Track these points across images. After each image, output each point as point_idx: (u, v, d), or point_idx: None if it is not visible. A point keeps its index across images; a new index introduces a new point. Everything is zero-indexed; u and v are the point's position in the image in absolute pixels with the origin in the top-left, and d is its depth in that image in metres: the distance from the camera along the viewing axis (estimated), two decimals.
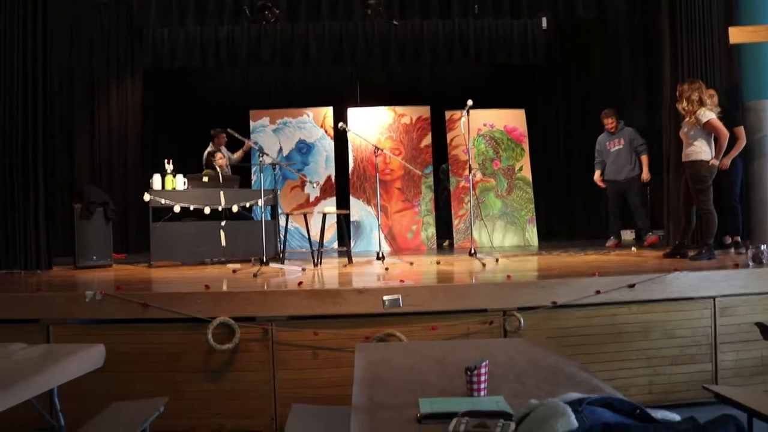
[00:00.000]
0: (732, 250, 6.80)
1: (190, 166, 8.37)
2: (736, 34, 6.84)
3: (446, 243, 9.60)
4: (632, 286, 4.52)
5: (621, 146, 8.24)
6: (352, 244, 8.07)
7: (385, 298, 4.23)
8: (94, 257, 7.04)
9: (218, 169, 8.09)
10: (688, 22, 7.20)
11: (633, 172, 8.20)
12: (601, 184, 8.51)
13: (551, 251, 7.64)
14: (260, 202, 7.18)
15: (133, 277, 6.00)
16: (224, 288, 4.82)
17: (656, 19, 8.34)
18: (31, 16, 6.81)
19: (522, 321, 4.26)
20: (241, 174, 8.59)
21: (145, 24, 9.85)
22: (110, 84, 9.92)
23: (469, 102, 6.79)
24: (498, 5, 9.64)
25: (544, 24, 11.10)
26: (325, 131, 9.72)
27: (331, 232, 9.12)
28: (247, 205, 7.69)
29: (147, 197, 7.04)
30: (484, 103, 8.81)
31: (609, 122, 8.30)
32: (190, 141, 10.15)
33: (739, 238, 6.92)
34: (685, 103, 6.01)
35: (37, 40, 6.82)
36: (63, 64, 9.00)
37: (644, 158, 8.14)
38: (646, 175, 8.11)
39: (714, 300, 4.65)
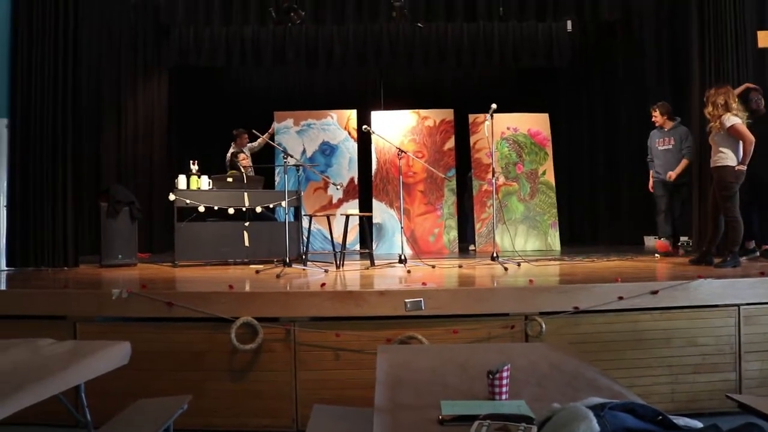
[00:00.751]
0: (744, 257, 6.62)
1: (214, 165, 8.47)
2: (766, 38, 6.79)
3: (471, 248, 9.59)
4: (655, 292, 4.49)
5: (671, 146, 7.54)
6: (374, 246, 8.09)
7: (407, 300, 4.26)
8: (120, 256, 7.15)
9: (242, 170, 8.16)
10: (716, 25, 7.13)
11: (681, 178, 7.49)
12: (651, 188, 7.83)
13: (574, 256, 7.61)
14: (284, 204, 7.25)
15: (157, 276, 6.08)
16: (247, 288, 4.88)
17: (683, 21, 8.29)
18: (63, 14, 6.97)
19: (543, 326, 4.26)
20: (264, 175, 8.66)
21: (172, 22, 9.96)
22: (137, 82, 10.06)
23: (493, 106, 6.82)
24: (523, 8, 9.61)
25: (569, 26, 11.06)
26: (349, 133, 9.77)
27: (353, 234, 9.15)
28: (271, 206, 7.77)
29: (172, 197, 7.14)
30: (508, 106, 8.78)
31: (655, 116, 7.65)
32: (214, 140, 10.31)
33: (753, 243, 6.84)
34: (710, 108, 5.97)
35: (68, 38, 6.98)
36: (92, 62, 9.15)
37: (684, 161, 7.42)
38: (672, 173, 7.44)
39: (739, 308, 4.60)
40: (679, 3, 8.99)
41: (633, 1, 10.09)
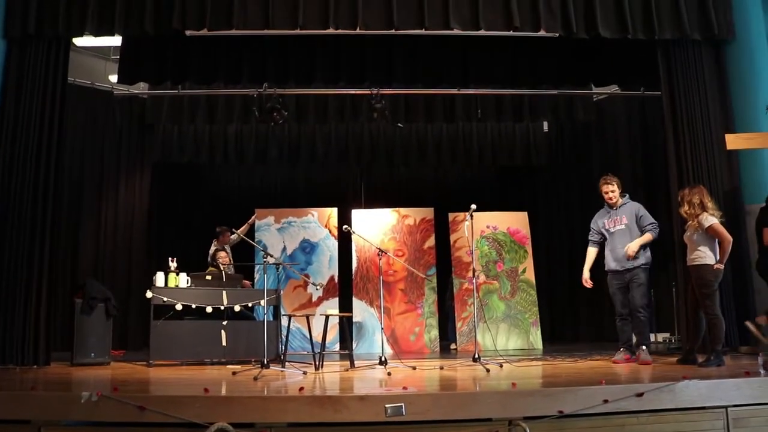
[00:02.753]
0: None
1: (193, 262, 8.38)
2: (733, 141, 7.09)
3: (453, 346, 9.46)
4: (640, 395, 4.40)
5: (623, 225, 6.56)
6: (354, 345, 7.95)
7: (387, 406, 4.12)
8: (92, 354, 6.96)
9: (222, 268, 8.08)
10: (690, 127, 7.42)
11: (638, 260, 6.45)
12: (588, 284, 6.79)
13: (556, 356, 7.51)
14: (263, 302, 7.14)
15: (130, 376, 5.88)
16: (223, 391, 4.72)
17: (654, 124, 8.56)
18: (50, 106, 7.03)
19: (528, 431, 4.13)
20: (244, 273, 8.59)
21: (157, 120, 10.17)
22: (119, 178, 10.12)
23: (473, 206, 6.88)
24: (500, 109, 9.96)
25: (546, 127, 11.40)
26: (330, 231, 9.79)
27: (333, 333, 9.01)
28: (250, 304, 7.65)
29: (149, 294, 7.02)
30: (487, 204, 8.89)
31: (609, 190, 6.64)
32: (195, 237, 10.28)
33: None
34: (686, 207, 6.09)
35: (53, 133, 7.02)
36: (75, 157, 9.22)
37: (647, 235, 6.45)
38: (632, 246, 6.36)
39: (726, 410, 4.49)
40: (650, 108, 9.37)
41: (605, 104, 10.49)
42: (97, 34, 7.16)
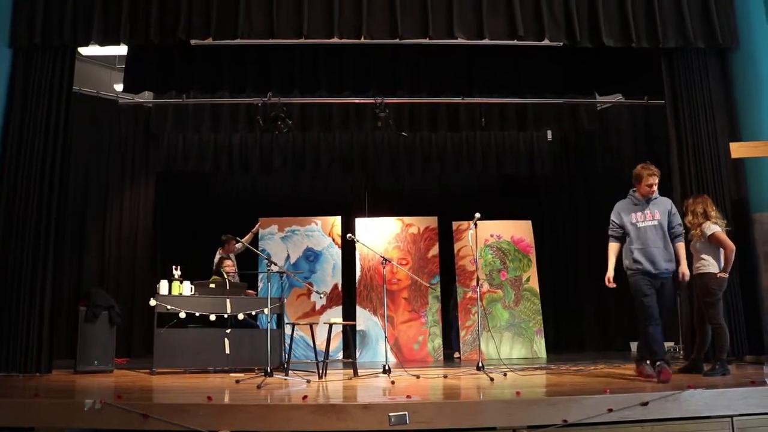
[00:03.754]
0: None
1: (198, 270, 8.38)
2: (737, 150, 7.06)
3: (456, 355, 9.44)
4: (645, 404, 4.37)
5: (655, 222, 5.74)
6: (357, 354, 7.94)
7: (391, 414, 4.11)
8: (96, 362, 6.97)
9: (226, 276, 8.08)
10: (693, 136, 7.45)
11: (670, 263, 5.68)
12: (612, 285, 5.97)
13: (560, 365, 7.47)
14: (266, 311, 7.14)
15: (134, 384, 5.87)
16: (227, 400, 4.71)
17: (659, 133, 8.55)
18: (55, 114, 7.07)
19: None
20: (248, 281, 8.59)
21: (161, 130, 10.20)
22: (124, 186, 10.12)
23: (477, 215, 6.87)
24: (504, 118, 9.95)
25: (550, 136, 11.39)
26: (333, 240, 9.78)
27: (336, 341, 8.98)
28: (253, 313, 7.64)
29: (153, 302, 7.02)
30: (491, 213, 8.88)
31: (655, 182, 5.75)
32: (199, 245, 10.28)
33: None
34: (690, 217, 6.08)
35: (58, 141, 7.05)
36: (80, 166, 9.23)
37: (680, 247, 5.73)
38: (685, 271, 5.69)
39: (732, 420, 4.46)
40: (654, 117, 9.36)
41: (610, 113, 10.48)
42: (102, 44, 7.21)
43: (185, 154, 10.72)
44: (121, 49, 8.29)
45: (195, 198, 11.55)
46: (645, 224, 5.76)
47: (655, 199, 5.83)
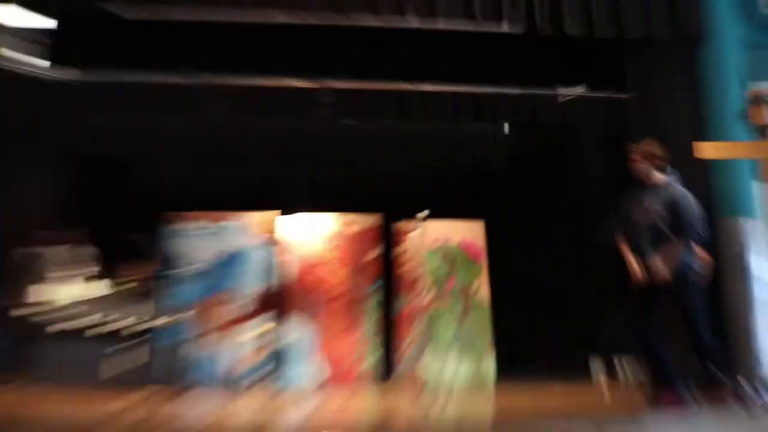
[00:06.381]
0: None
1: None
2: (702, 149, 7.21)
3: (396, 371, 9.34)
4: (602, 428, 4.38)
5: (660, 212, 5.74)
6: (286, 369, 7.79)
7: None
8: None
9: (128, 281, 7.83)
10: (658, 132, 7.45)
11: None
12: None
13: (511, 383, 7.47)
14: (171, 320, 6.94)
15: None
16: None
17: (623, 127, 8.69)
18: None
19: None
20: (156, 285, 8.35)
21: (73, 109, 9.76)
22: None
23: (424, 213, 6.77)
24: (457, 108, 9.89)
25: (506, 129, 11.40)
26: (263, 239, 9.51)
27: (260, 356, 8.77)
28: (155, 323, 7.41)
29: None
30: (440, 211, 8.82)
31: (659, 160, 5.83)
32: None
33: None
34: None
35: None
36: None
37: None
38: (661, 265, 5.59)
39: None
40: (619, 111, 9.44)
41: (572, 105, 10.53)
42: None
43: (104, 138, 10.34)
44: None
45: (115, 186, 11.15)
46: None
47: (667, 186, 6.22)
